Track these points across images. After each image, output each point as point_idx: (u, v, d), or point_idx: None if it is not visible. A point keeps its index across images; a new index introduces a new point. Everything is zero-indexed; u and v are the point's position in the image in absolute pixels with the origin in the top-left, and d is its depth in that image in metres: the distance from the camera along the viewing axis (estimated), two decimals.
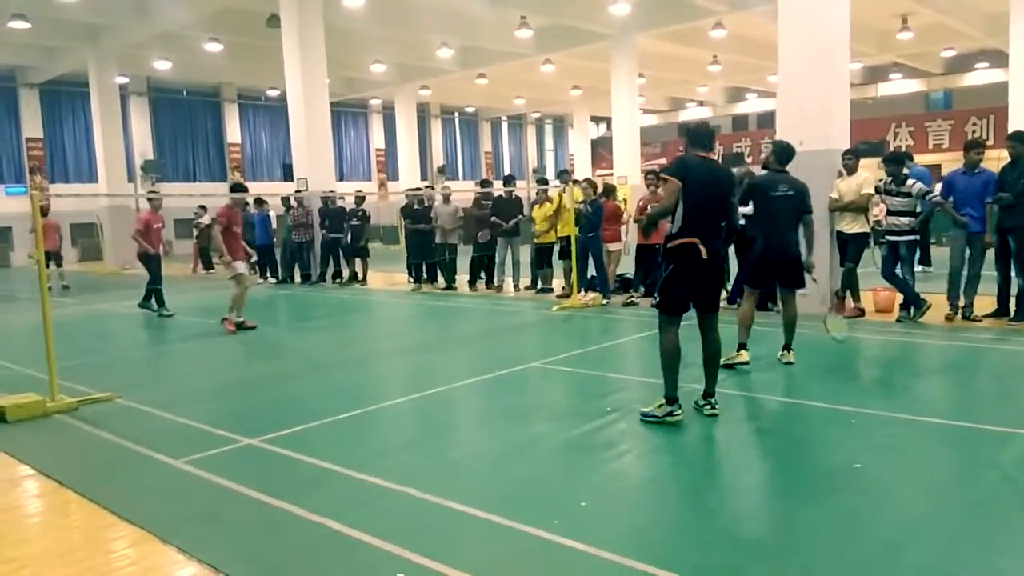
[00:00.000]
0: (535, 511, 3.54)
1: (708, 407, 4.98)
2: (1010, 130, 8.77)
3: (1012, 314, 7.78)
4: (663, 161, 29.49)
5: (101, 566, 3.24)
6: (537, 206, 11.40)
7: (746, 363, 6.17)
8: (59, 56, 22.05)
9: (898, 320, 8.13)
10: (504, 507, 3.60)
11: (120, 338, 10.04)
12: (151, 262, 10.96)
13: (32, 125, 24.62)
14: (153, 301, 11.03)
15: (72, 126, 25.62)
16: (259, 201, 15.77)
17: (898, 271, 8.09)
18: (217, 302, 12.26)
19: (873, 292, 8.80)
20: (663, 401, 4.82)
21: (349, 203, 14.90)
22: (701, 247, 4.69)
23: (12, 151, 24.53)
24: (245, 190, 10.00)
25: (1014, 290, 7.82)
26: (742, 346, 6.26)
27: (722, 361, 5.35)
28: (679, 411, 4.80)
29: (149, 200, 11.30)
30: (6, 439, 5.07)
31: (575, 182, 10.96)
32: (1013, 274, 7.73)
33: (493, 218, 12.02)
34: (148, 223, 10.97)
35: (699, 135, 5.01)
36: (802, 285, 6.34)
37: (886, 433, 4.63)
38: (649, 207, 9.68)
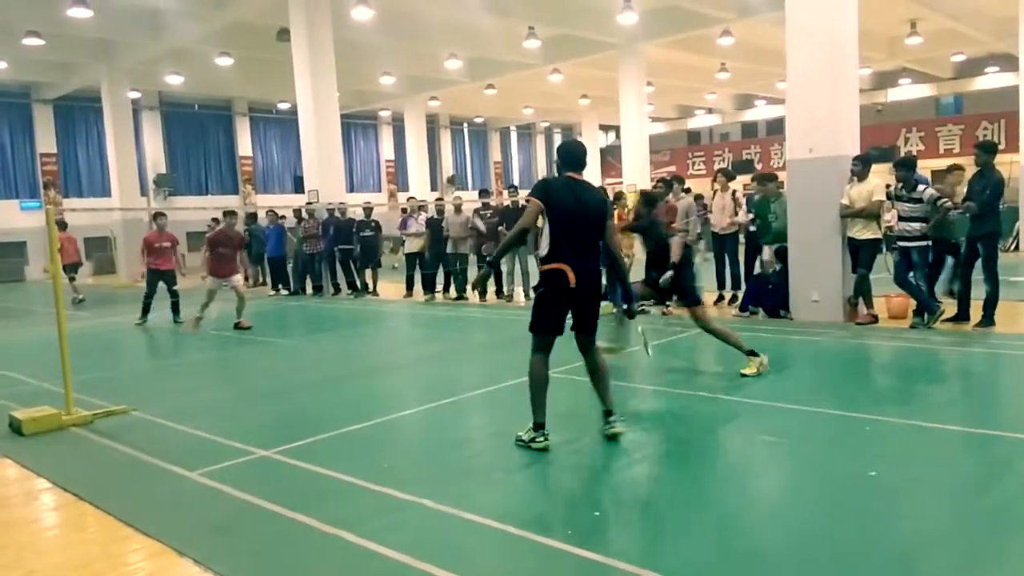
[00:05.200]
0: (549, 521, 3.55)
1: (607, 426, 4.65)
2: (1022, 135, 8.81)
3: (980, 319, 7.88)
4: (672, 169, 29.48)
5: None
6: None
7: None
8: (72, 72, 22.30)
9: (912, 326, 8.09)
10: (518, 517, 3.61)
11: (135, 351, 10.11)
12: (162, 277, 11.37)
13: (46, 141, 24.85)
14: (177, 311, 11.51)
15: (85, 141, 25.82)
16: (274, 214, 15.98)
17: (911, 277, 8.08)
18: (229, 314, 12.34)
19: (886, 298, 8.77)
20: (531, 426, 4.62)
21: (357, 214, 14.99)
22: (570, 274, 4.43)
23: (26, 166, 24.74)
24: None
25: (981, 296, 7.90)
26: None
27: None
28: (542, 439, 4.55)
29: (154, 218, 11.73)
30: (23, 452, 5.11)
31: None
32: (983, 279, 7.84)
33: (500, 228, 12.02)
34: (149, 243, 11.44)
35: (567, 155, 4.70)
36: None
37: (901, 440, 4.60)
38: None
